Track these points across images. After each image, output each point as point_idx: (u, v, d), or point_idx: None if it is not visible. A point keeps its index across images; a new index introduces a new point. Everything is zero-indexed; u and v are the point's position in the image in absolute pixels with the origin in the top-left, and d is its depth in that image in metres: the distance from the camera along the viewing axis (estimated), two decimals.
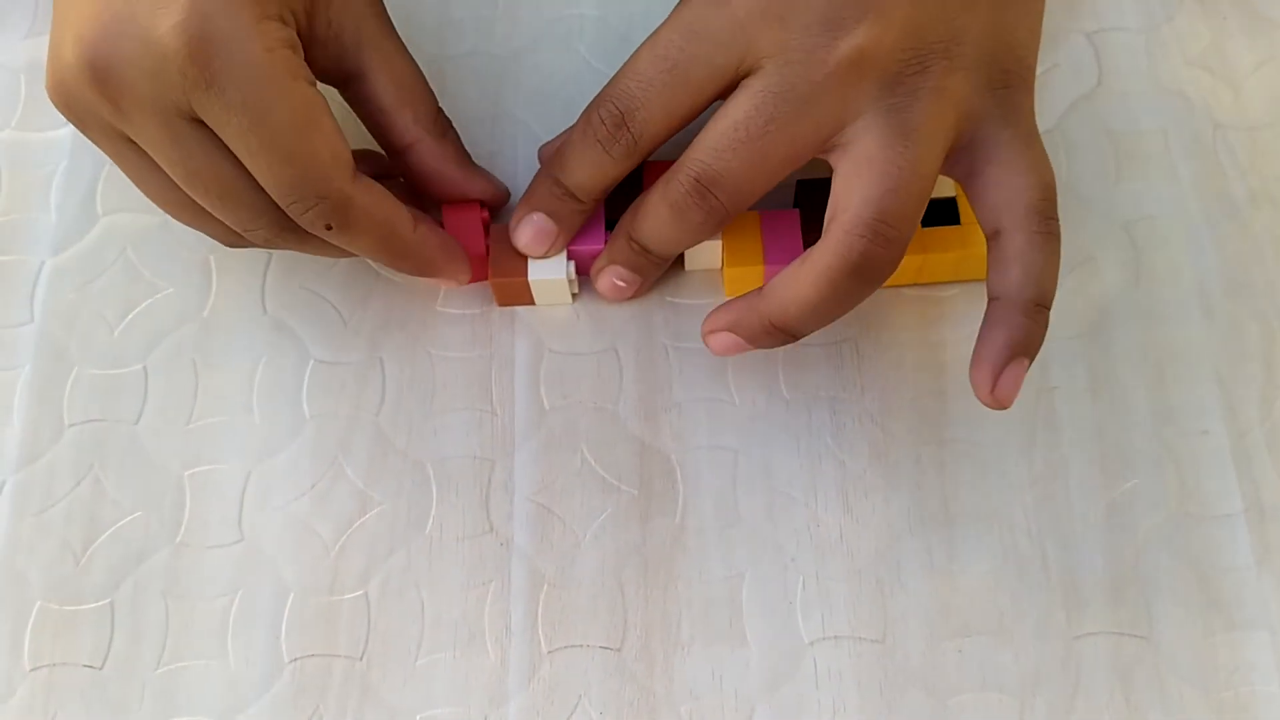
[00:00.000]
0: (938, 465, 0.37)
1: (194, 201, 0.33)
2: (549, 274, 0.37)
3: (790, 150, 0.32)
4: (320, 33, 0.34)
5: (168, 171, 0.32)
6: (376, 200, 0.34)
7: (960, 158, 0.33)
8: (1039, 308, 0.32)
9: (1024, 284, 0.32)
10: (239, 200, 0.33)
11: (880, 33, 0.31)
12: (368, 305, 0.39)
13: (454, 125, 0.38)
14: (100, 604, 0.36)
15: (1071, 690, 0.35)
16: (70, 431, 0.38)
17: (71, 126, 0.42)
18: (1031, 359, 0.32)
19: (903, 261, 0.36)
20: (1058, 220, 0.32)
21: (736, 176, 0.32)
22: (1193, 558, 0.36)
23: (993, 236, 0.32)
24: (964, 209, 0.37)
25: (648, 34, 0.35)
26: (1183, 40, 0.42)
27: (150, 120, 0.31)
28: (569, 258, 0.38)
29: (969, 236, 0.37)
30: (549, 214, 0.36)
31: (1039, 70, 0.41)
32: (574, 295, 0.39)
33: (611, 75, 0.33)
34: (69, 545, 0.37)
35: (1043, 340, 0.32)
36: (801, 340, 0.38)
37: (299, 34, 0.33)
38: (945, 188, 0.38)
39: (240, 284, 0.40)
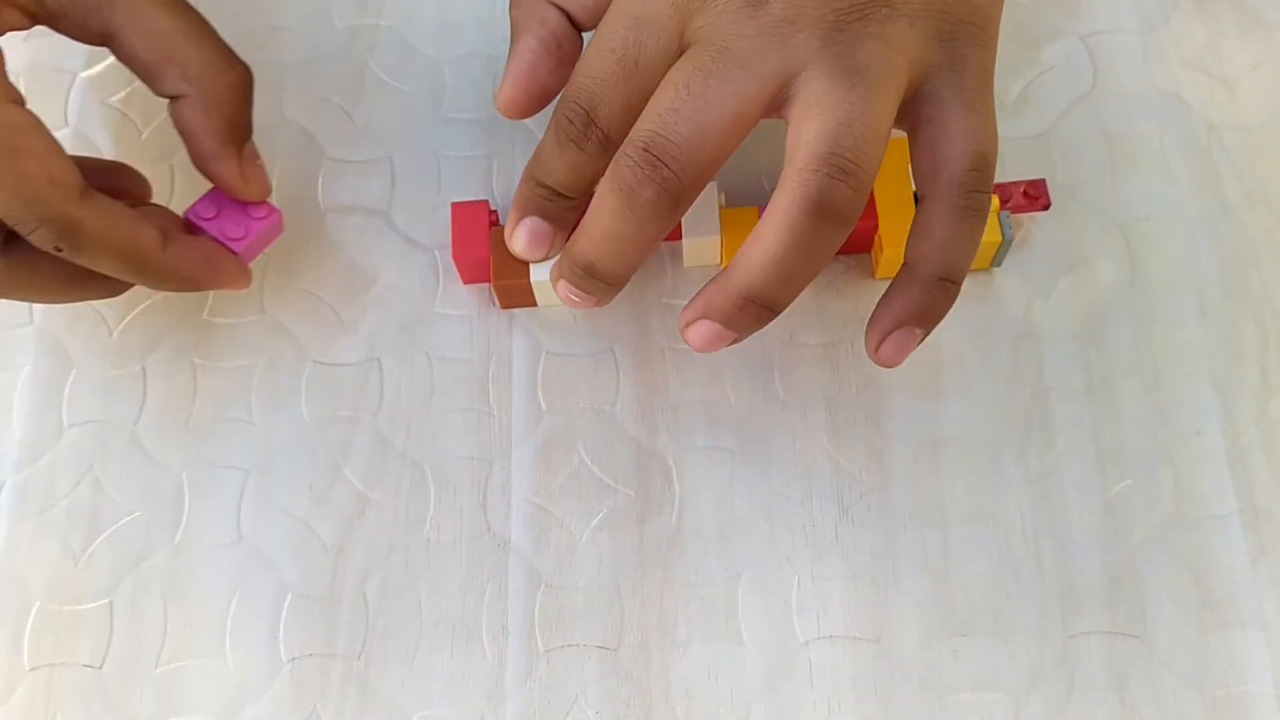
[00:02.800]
0: (933, 465, 0.37)
1: None
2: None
3: (737, 106, 0.31)
4: (53, 6, 0.34)
5: None
6: (112, 220, 0.33)
7: (906, 110, 0.32)
8: (942, 281, 0.32)
9: (932, 257, 0.31)
10: None
11: None
12: (365, 307, 0.40)
13: (249, 102, 0.37)
14: (100, 604, 0.36)
15: (1067, 689, 0.35)
16: (70, 432, 0.38)
17: (69, 129, 0.42)
18: (927, 329, 0.32)
19: (894, 251, 0.37)
20: (985, 194, 0.31)
21: (685, 140, 0.30)
22: (1187, 558, 0.36)
23: (918, 203, 0.32)
24: None
25: None
26: (1178, 42, 0.42)
27: None
28: None
29: None
30: (541, 216, 0.36)
31: (1034, 73, 0.42)
32: None
33: None
34: (69, 545, 0.37)
35: (944, 311, 0.32)
36: (796, 340, 0.38)
37: (30, 16, 0.33)
38: None
39: None
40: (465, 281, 0.40)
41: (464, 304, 0.40)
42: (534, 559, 0.36)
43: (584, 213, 0.36)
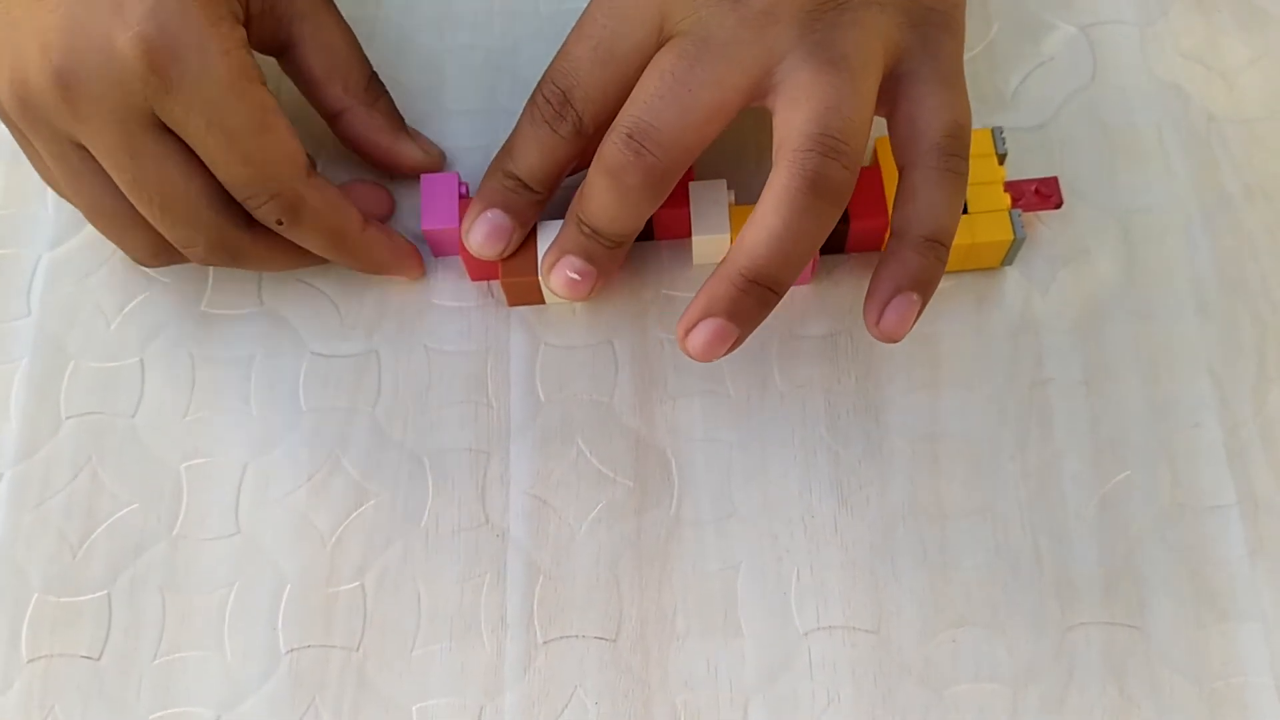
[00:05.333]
0: (932, 458, 0.37)
1: (123, 213, 0.35)
2: None
3: (719, 95, 0.32)
4: (256, 8, 0.36)
5: (115, 178, 0.34)
6: (327, 200, 0.36)
7: (884, 92, 0.33)
8: (930, 243, 0.32)
9: (916, 219, 0.32)
10: (179, 212, 0.34)
11: None
12: (363, 298, 0.40)
13: (388, 93, 0.40)
14: (98, 596, 0.36)
15: (1065, 681, 0.35)
16: (68, 424, 0.38)
17: None
18: (924, 295, 0.32)
19: None
20: (963, 160, 0.32)
21: (668, 126, 0.32)
22: (1186, 550, 0.36)
23: (900, 173, 0.33)
24: (972, 198, 0.37)
25: None
26: (1177, 34, 0.42)
27: (108, 127, 0.33)
28: None
29: (978, 225, 0.37)
30: (503, 209, 0.36)
31: (1034, 64, 0.42)
32: None
33: None
34: (66, 538, 0.37)
35: (936, 277, 0.32)
36: (795, 332, 0.38)
37: (234, 17, 0.35)
38: None
39: (236, 277, 0.40)
40: (473, 278, 0.39)
41: (463, 296, 0.40)
42: (532, 550, 0.36)
43: (539, 209, 0.36)
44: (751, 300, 0.32)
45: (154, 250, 0.36)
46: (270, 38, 0.37)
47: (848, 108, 0.31)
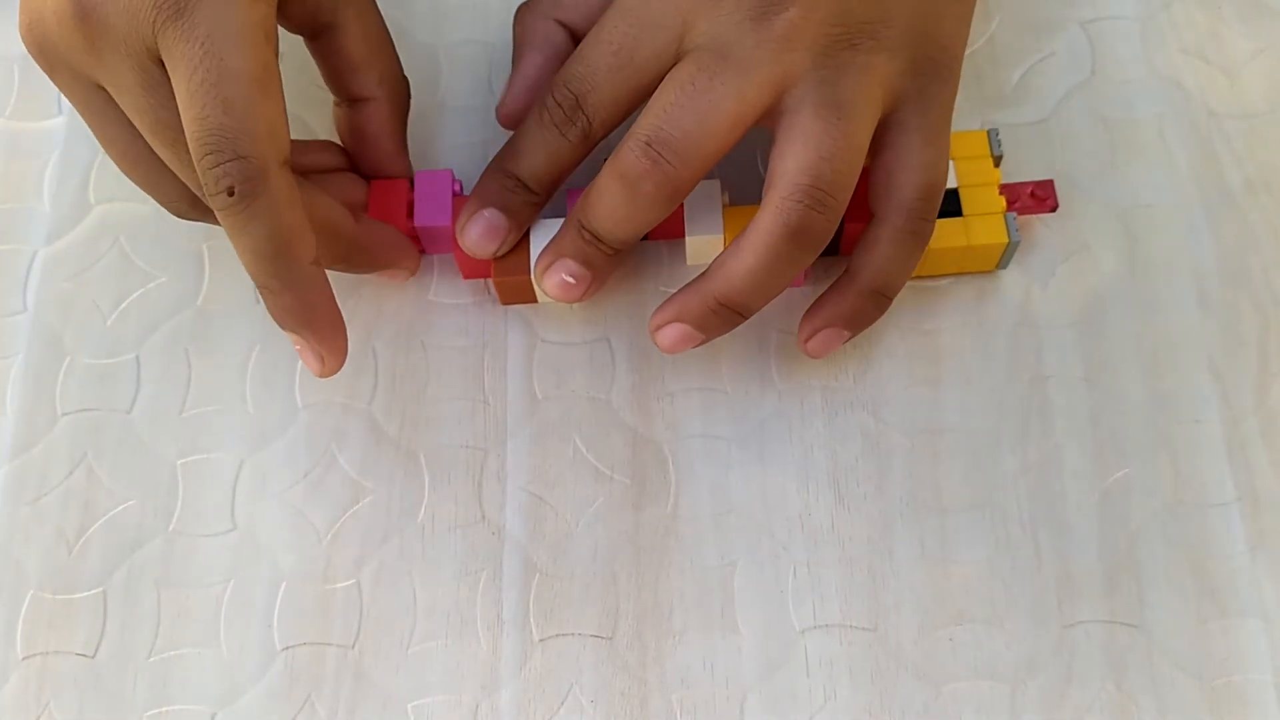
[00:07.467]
0: (930, 453, 0.37)
1: (152, 158, 0.33)
2: None
3: (737, 109, 0.32)
4: None
5: (134, 120, 0.32)
6: (292, 198, 0.31)
7: (874, 134, 0.34)
8: (876, 294, 0.35)
9: (871, 270, 0.34)
10: None
11: (809, 9, 0.32)
12: (360, 294, 0.39)
13: (411, 98, 0.39)
14: (93, 592, 0.36)
15: (1064, 678, 0.34)
16: (64, 420, 0.38)
17: (65, 116, 0.42)
18: (854, 331, 0.36)
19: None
20: (929, 222, 0.34)
21: (687, 136, 0.32)
22: (1186, 546, 0.36)
23: (870, 218, 0.35)
24: (967, 200, 0.37)
25: None
26: (1179, 28, 0.42)
27: (123, 62, 0.31)
28: None
29: (972, 228, 0.37)
30: (501, 209, 0.36)
31: (1034, 59, 0.42)
32: None
33: None
34: (62, 534, 0.37)
35: (873, 320, 0.36)
36: (793, 329, 0.38)
37: None
38: (948, 178, 0.37)
39: (233, 273, 0.40)
40: (465, 277, 0.39)
41: (460, 293, 0.39)
42: (529, 547, 0.36)
43: (537, 211, 0.36)
44: (720, 319, 0.34)
45: (190, 199, 0.34)
46: (310, 17, 0.35)
47: (840, 160, 0.32)
